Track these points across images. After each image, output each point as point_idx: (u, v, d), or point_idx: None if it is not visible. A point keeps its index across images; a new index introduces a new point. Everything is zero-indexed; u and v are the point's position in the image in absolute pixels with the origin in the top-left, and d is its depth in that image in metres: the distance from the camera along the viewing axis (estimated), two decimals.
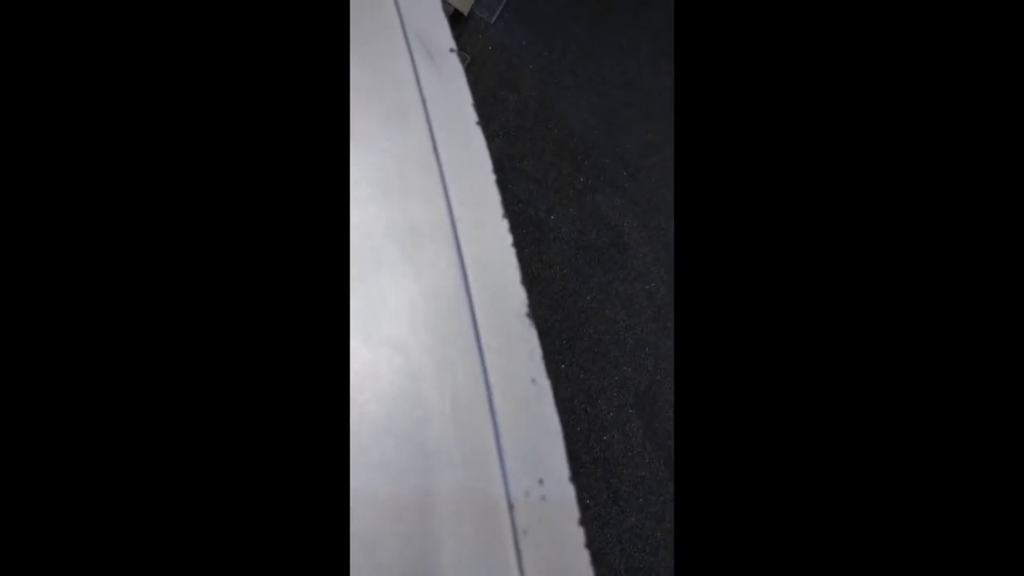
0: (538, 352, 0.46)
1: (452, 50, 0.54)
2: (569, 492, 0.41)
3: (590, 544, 0.41)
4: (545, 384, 0.45)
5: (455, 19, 1.93)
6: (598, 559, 1.66)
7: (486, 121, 1.92)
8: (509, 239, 0.49)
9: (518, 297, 0.47)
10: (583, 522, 0.41)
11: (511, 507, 0.40)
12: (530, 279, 1.86)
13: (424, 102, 0.50)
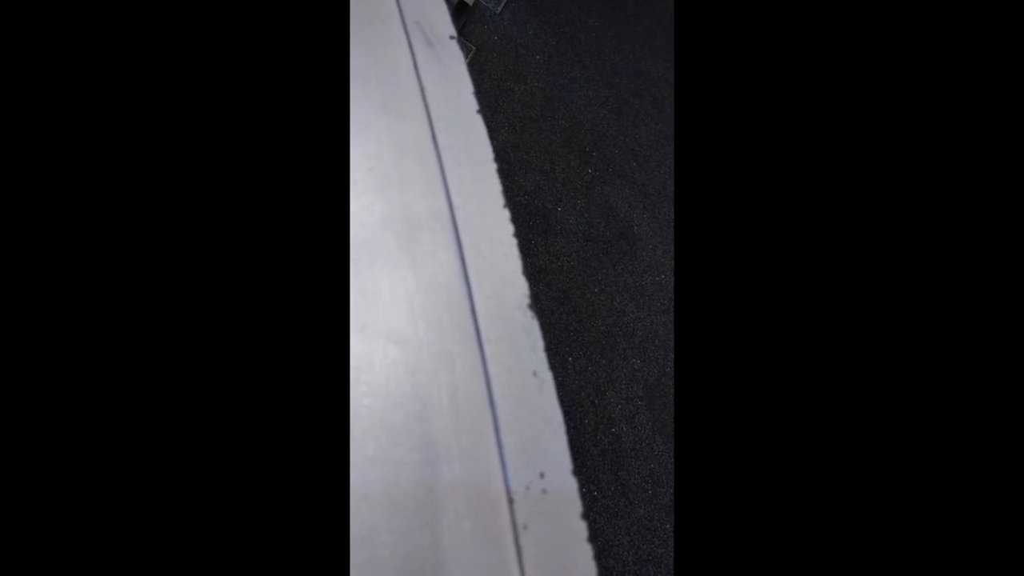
0: (540, 344, 0.45)
1: (452, 37, 0.53)
2: (571, 485, 0.41)
3: (594, 538, 0.40)
4: (547, 376, 0.44)
5: (460, 8, 1.91)
6: (606, 551, 1.66)
7: (492, 112, 1.91)
8: (510, 229, 0.48)
9: (519, 288, 0.46)
10: (586, 516, 0.40)
11: (511, 501, 0.39)
12: (537, 271, 1.85)
13: (423, 90, 0.49)
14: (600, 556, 0.39)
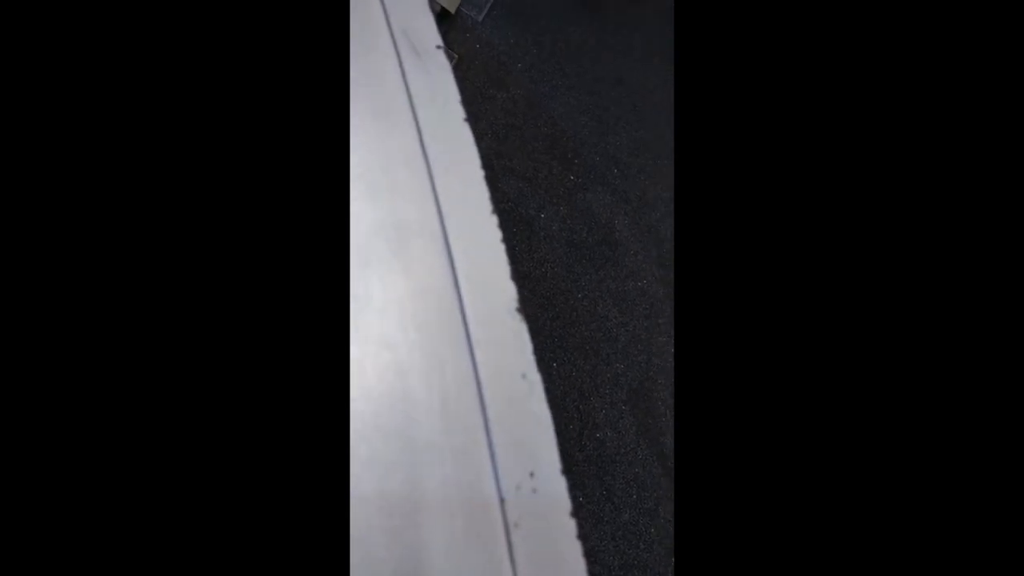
0: (528, 347, 0.46)
1: (439, 47, 0.54)
2: (560, 485, 0.42)
3: (582, 536, 0.41)
4: (536, 379, 0.45)
5: (442, 17, 1.92)
6: (592, 556, 1.67)
7: (475, 120, 1.92)
8: (498, 235, 0.49)
9: (508, 292, 0.47)
10: (575, 514, 0.41)
11: (502, 501, 0.40)
12: (521, 277, 1.86)
13: (411, 99, 0.50)
14: (584, 556, 0.40)
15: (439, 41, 0.54)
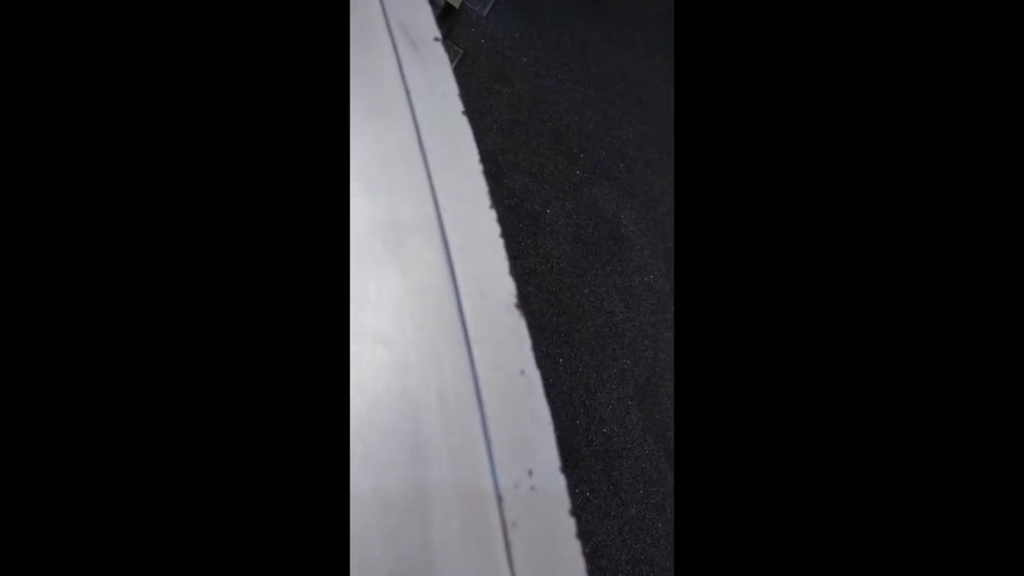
0: (527, 343, 0.45)
1: (436, 39, 0.53)
2: (559, 482, 0.41)
3: (582, 534, 0.40)
4: (535, 375, 0.44)
5: (447, 12, 1.91)
6: (599, 550, 1.66)
7: (480, 115, 1.92)
8: (497, 230, 0.48)
9: (506, 288, 0.46)
10: (574, 512, 0.41)
11: (500, 499, 0.39)
12: (527, 273, 1.85)
13: (408, 92, 0.50)
14: (593, 556, 0.39)
15: (437, 33, 0.53)
